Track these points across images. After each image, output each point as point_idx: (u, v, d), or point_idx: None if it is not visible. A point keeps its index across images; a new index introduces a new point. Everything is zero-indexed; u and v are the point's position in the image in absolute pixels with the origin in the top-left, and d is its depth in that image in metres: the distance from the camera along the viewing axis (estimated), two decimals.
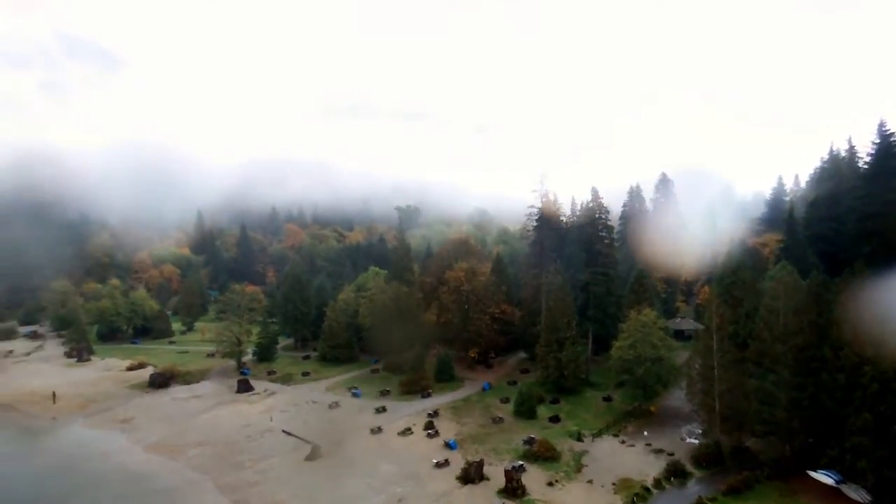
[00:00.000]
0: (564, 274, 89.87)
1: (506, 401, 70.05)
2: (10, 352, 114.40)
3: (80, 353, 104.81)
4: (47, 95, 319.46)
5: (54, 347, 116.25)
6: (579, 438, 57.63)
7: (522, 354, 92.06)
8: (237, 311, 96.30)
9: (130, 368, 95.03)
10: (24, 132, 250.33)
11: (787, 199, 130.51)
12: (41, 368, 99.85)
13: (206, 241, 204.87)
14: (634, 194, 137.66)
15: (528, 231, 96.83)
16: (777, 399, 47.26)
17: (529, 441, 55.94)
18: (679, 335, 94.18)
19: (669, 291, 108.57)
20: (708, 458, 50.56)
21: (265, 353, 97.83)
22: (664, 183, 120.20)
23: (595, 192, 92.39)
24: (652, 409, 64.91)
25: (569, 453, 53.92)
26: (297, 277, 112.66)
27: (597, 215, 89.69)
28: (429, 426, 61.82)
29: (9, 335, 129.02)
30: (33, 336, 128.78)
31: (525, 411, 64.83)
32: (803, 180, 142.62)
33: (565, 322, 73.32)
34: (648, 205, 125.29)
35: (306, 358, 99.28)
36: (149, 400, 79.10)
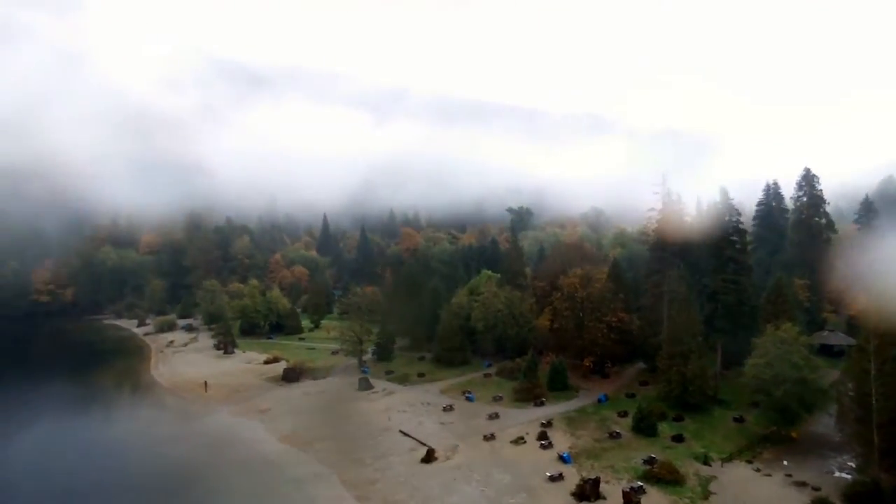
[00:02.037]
0: (689, 280, 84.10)
1: (623, 414, 67.12)
2: (171, 342, 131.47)
3: (226, 346, 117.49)
4: (201, 114, 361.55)
5: (205, 339, 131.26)
6: (706, 462, 53.59)
7: (641, 365, 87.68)
8: (358, 312, 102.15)
9: (267, 362, 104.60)
10: (183, 148, 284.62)
11: None
12: (195, 358, 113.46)
13: (330, 244, 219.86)
14: (772, 192, 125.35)
15: (648, 234, 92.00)
16: None
17: (650, 460, 53.09)
18: (826, 350, 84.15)
19: (814, 300, 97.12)
20: (863, 498, 44.50)
21: (383, 353, 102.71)
22: (808, 179, 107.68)
23: (724, 192, 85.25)
24: (794, 434, 58.58)
25: (694, 478, 50.35)
26: (413, 280, 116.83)
27: (727, 217, 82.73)
28: (542, 436, 61.05)
29: (170, 327, 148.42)
30: (189, 329, 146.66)
31: (645, 427, 61.61)
32: None
33: (690, 333, 68.61)
34: (788, 203, 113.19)
35: (421, 359, 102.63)
36: (282, 392, 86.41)
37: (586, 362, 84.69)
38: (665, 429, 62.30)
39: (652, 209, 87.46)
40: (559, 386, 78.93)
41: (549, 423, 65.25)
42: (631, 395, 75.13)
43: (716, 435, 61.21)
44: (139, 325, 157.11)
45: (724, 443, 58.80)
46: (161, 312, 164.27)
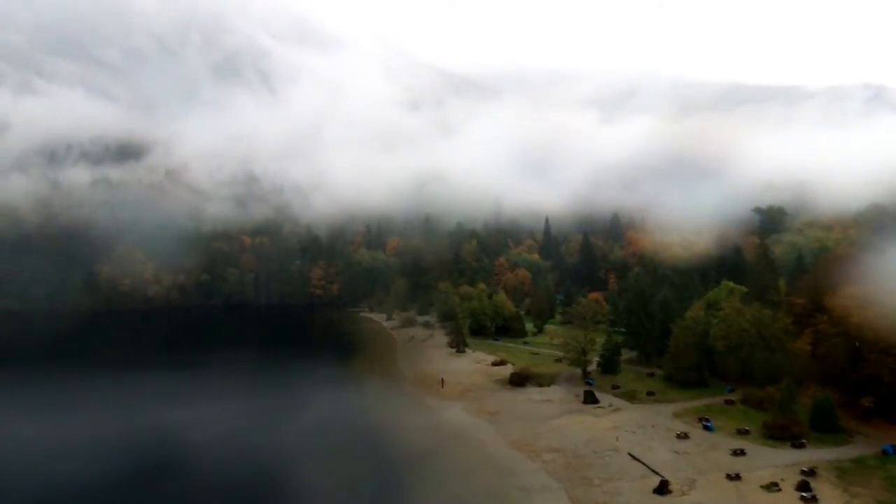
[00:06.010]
0: None
1: None
2: (412, 337, 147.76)
3: (458, 344, 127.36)
4: (436, 127, 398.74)
5: (440, 337, 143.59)
6: None
7: None
8: (582, 322, 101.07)
9: (495, 364, 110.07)
10: (420, 159, 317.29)
11: None
12: (432, 354, 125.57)
13: (552, 248, 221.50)
14: None
15: None
16: None
17: None
18: None
19: None
20: None
21: (609, 366, 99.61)
22: None
23: None
24: None
25: None
26: (641, 291, 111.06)
27: None
28: (803, 486, 52.40)
29: (411, 323, 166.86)
30: (426, 325, 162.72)
31: None
32: None
33: None
34: None
35: (650, 375, 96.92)
36: (509, 396, 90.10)
37: (865, 402, 69.74)
38: None
39: None
40: (826, 427, 66.71)
41: (811, 472, 55.73)
42: None
43: None
44: (387, 320, 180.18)
45: None
46: (404, 309, 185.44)
